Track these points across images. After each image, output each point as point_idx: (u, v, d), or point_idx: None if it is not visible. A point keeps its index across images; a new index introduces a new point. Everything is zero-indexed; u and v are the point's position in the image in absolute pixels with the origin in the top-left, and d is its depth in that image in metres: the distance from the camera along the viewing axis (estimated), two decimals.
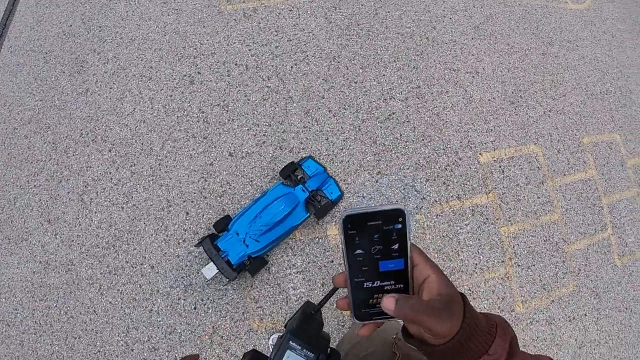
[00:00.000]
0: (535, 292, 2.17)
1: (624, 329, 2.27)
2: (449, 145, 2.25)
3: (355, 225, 0.41)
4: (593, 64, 2.75)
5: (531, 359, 0.46)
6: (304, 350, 0.52)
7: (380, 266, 0.43)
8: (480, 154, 2.27)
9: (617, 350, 2.22)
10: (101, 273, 2.03)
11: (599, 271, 2.30)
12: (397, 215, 0.41)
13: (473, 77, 2.42)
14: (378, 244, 0.42)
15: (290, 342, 0.52)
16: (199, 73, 2.30)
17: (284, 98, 2.24)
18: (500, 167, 2.28)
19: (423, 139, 2.24)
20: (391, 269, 0.43)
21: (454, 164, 2.22)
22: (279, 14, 2.46)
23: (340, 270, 0.47)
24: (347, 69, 2.33)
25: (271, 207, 1.90)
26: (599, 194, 2.43)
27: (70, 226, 2.10)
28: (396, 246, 0.42)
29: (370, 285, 0.44)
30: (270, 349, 1.89)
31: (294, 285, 1.99)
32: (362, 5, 2.53)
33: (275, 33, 2.40)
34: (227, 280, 1.90)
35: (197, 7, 2.49)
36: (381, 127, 2.23)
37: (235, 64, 2.32)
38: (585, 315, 2.21)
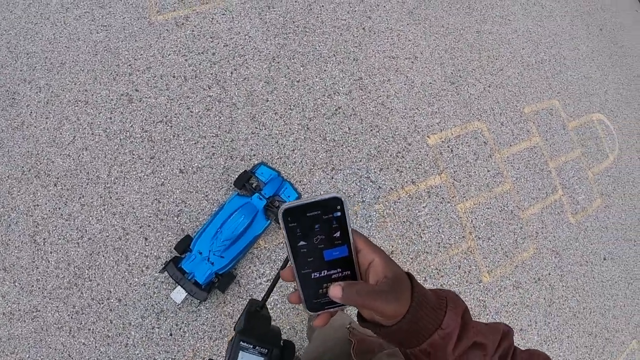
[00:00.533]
0: (498, 261, 2.27)
1: (588, 281, 2.42)
2: (397, 133, 2.30)
3: (294, 217, 0.42)
4: (526, 35, 2.88)
5: (486, 327, 0.47)
6: (257, 348, 0.52)
7: (324, 255, 0.44)
8: (428, 136, 2.34)
9: (585, 302, 2.37)
10: (68, 315, 1.96)
11: (555, 231, 2.44)
12: (334, 204, 0.42)
13: (412, 62, 2.48)
14: (320, 233, 0.43)
15: (241, 342, 0.52)
16: (136, 90, 2.24)
17: (227, 106, 2.22)
18: (448, 146, 2.36)
19: (371, 130, 2.28)
20: (336, 257, 0.44)
21: (404, 150, 2.28)
22: (212, 19, 2.42)
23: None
24: (288, 68, 2.33)
25: (230, 220, 1.89)
26: (546, 159, 2.56)
27: (27, 271, 2.01)
28: (338, 234, 0.43)
29: (318, 275, 0.44)
30: None
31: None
32: (295, 1, 2.53)
33: (211, 39, 2.36)
34: (199, 301, 1.87)
35: (126, 21, 2.40)
36: (329, 123, 2.25)
37: (173, 76, 2.26)
38: (549, 274, 2.34)
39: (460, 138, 2.40)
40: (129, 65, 2.29)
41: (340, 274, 0.45)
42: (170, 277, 1.83)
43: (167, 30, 2.38)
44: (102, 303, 1.96)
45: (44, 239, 2.04)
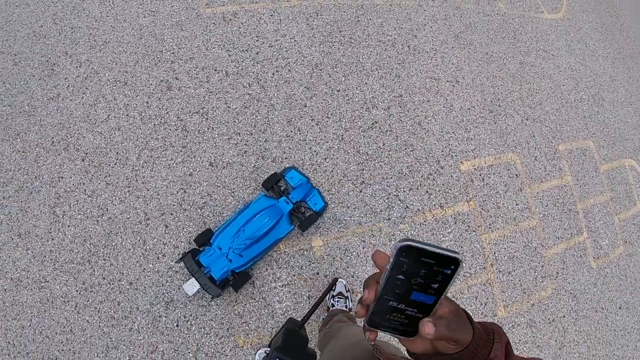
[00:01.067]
0: (516, 297, 2.22)
1: (601, 328, 2.36)
2: (430, 154, 2.27)
3: (409, 255, 0.42)
4: (568, 72, 2.84)
5: (525, 359, 0.50)
6: None
7: (412, 295, 0.45)
8: (461, 162, 2.31)
9: (595, 349, 2.30)
10: (77, 290, 1.93)
11: (575, 274, 2.38)
12: (451, 263, 0.42)
13: (453, 86, 2.46)
14: (421, 278, 0.43)
15: (277, 359, 0.53)
16: (176, 79, 2.23)
17: (265, 106, 2.20)
18: (480, 175, 2.32)
19: (406, 148, 2.25)
20: (420, 301, 0.45)
21: (436, 172, 2.25)
22: (260, 18, 2.42)
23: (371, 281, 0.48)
24: (330, 76, 2.31)
25: (254, 220, 1.84)
26: (575, 199, 2.51)
27: (42, 241, 1.99)
28: (436, 286, 0.43)
29: (396, 305, 0.46)
30: None
31: (280, 298, 1.96)
32: (343, 12, 2.52)
33: (256, 38, 2.35)
34: (211, 296, 1.84)
35: (174, 9, 2.41)
36: (364, 136, 2.22)
37: (215, 70, 2.26)
38: (564, 317, 2.28)
39: (493, 168, 2.37)
40: (172, 53, 2.29)
41: (414, 313, 0.46)
42: (186, 268, 1.79)
43: (214, 23, 2.38)
44: (113, 284, 1.94)
45: (64, 211, 2.02)
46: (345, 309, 1.85)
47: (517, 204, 2.33)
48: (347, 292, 1.92)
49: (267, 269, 1.98)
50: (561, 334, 2.25)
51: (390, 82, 2.35)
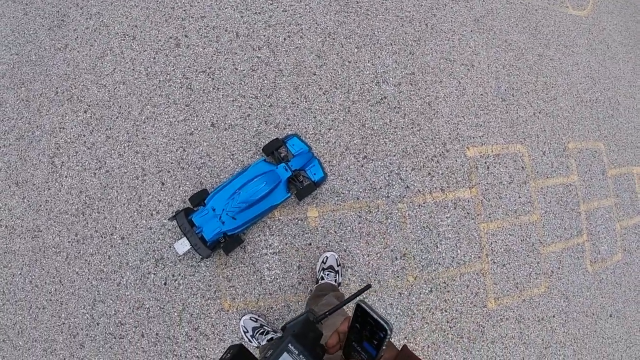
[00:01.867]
0: (508, 290, 2.02)
1: (589, 333, 2.16)
2: (437, 136, 2.05)
3: (361, 312, 0.50)
4: (586, 71, 2.56)
5: None
6: (301, 356, 0.51)
7: (364, 343, 0.52)
8: (467, 147, 2.08)
9: (580, 353, 2.11)
10: (69, 241, 1.79)
11: (570, 275, 2.17)
12: (384, 329, 0.48)
13: (468, 69, 2.20)
14: (367, 332, 0.51)
15: (290, 345, 0.51)
16: (186, 36, 2.02)
17: (273, 70, 1.99)
18: (486, 163, 2.09)
19: (412, 127, 2.03)
20: (368, 350, 0.52)
21: (440, 155, 2.02)
22: None
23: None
24: (342, 46, 2.08)
25: (251, 184, 1.68)
26: (579, 200, 2.28)
27: (38, 190, 1.84)
28: (375, 342, 0.51)
29: (355, 346, 0.54)
30: (241, 331, 1.71)
31: (270, 266, 1.79)
32: None
33: (271, 2, 2.12)
34: (201, 257, 1.68)
35: None
36: (371, 111, 2.00)
37: (226, 30, 2.04)
38: (554, 317, 2.08)
39: (500, 157, 2.13)
40: (184, 10, 2.07)
41: (365, 358, 0.53)
42: (178, 226, 1.63)
43: None
44: (105, 238, 1.78)
45: (62, 162, 1.86)
46: (334, 283, 1.67)
47: (519, 197, 2.11)
48: (338, 266, 1.74)
49: (259, 235, 1.80)
50: (549, 334, 2.05)
51: (404, 59, 2.11)
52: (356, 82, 2.03)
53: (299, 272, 1.79)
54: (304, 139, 1.88)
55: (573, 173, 2.30)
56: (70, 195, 1.82)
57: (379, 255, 1.86)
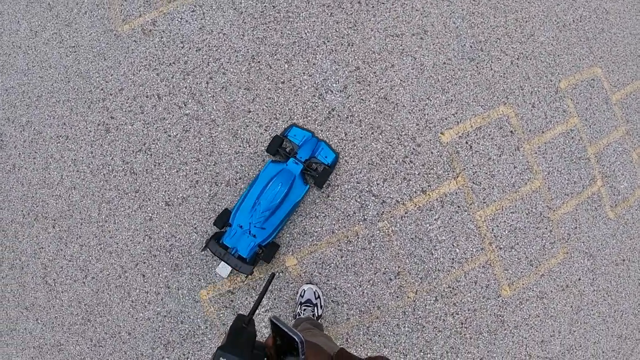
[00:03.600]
0: (522, 271, 1.55)
1: (623, 281, 1.66)
2: (403, 132, 1.50)
3: (273, 326, 0.49)
4: None
5: None
6: None
7: (287, 355, 0.49)
8: (441, 133, 1.51)
9: (617, 304, 1.64)
10: (88, 347, 1.60)
11: (590, 230, 1.63)
12: (294, 340, 0.46)
13: (421, 38, 1.55)
14: (285, 345, 0.49)
15: (221, 358, 0.45)
16: (112, 118, 1.58)
17: (206, 123, 1.51)
18: (467, 142, 1.53)
19: (373, 132, 1.49)
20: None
21: (412, 153, 1.49)
22: (181, 18, 1.60)
23: None
24: (270, 67, 1.52)
25: (268, 190, 1.34)
26: (584, 144, 1.65)
27: (45, 309, 1.64)
28: (295, 353, 0.47)
29: (282, 358, 0.51)
30: None
31: (266, 324, 1.48)
32: None
33: (181, 45, 1.57)
34: (245, 275, 1.42)
35: (93, 37, 1.66)
36: (322, 130, 1.49)
37: (147, 96, 1.56)
38: (579, 279, 1.60)
39: (482, 130, 1.54)
40: (101, 89, 1.60)
41: None
42: (213, 254, 1.35)
43: (134, 41, 1.61)
44: (115, 337, 1.56)
45: (54, 279, 1.61)
46: (312, 317, 1.33)
47: (515, 167, 1.55)
48: (316, 299, 1.38)
49: (247, 298, 1.47)
50: (577, 299, 1.60)
51: (343, 55, 1.52)
52: (297, 104, 1.50)
53: (293, 321, 1.47)
54: (302, 126, 1.45)
55: (572, 115, 1.65)
56: (72, 307, 1.60)
57: (371, 282, 1.47)
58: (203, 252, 1.46)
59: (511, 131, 1.57)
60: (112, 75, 1.61)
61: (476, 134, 1.53)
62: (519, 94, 1.59)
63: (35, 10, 1.75)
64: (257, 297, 0.51)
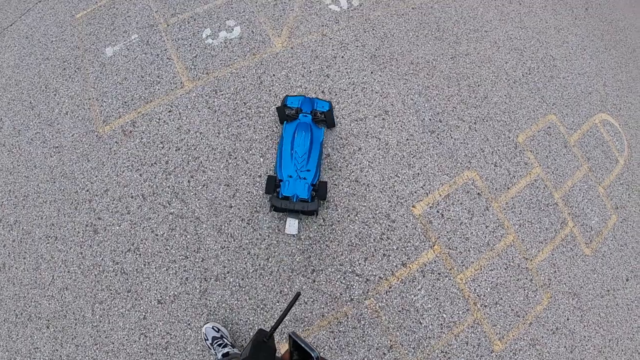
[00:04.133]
0: (510, 324, 1.52)
1: (611, 310, 1.64)
2: (377, 211, 1.50)
3: (292, 341, 0.49)
4: (507, 45, 1.84)
5: None
6: None
7: None
8: (413, 206, 1.52)
9: (610, 334, 1.61)
10: None
11: (570, 270, 1.62)
12: (310, 355, 0.47)
13: (383, 119, 1.59)
14: (299, 358, 0.49)
15: None
16: (99, 219, 1.57)
17: (191, 221, 1.50)
18: (438, 211, 1.54)
19: (348, 215, 1.49)
20: None
21: (388, 229, 1.49)
22: (159, 119, 1.64)
23: None
24: (247, 162, 1.54)
25: (297, 139, 1.48)
26: (550, 191, 1.67)
27: None
28: None
29: None
30: (202, 337, 1.29)
31: None
32: (243, 77, 1.66)
33: (161, 145, 1.59)
34: (315, 214, 1.44)
35: (75, 138, 1.68)
36: (301, 218, 1.48)
37: (132, 197, 1.56)
38: (568, 319, 1.57)
39: (450, 197, 1.56)
40: (87, 190, 1.60)
41: None
42: (280, 209, 1.41)
43: (116, 142, 1.63)
44: None
45: None
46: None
47: (487, 227, 1.55)
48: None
49: None
50: (569, 338, 1.56)
51: None
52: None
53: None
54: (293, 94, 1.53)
55: (534, 166, 1.68)
56: None
57: (365, 359, 1.42)
58: (270, 212, 1.47)
59: (478, 193, 1.58)
60: (96, 176, 1.62)
61: (445, 202, 1.55)
62: (481, 157, 1.62)
63: (17, 109, 1.78)
64: (281, 313, 0.52)
